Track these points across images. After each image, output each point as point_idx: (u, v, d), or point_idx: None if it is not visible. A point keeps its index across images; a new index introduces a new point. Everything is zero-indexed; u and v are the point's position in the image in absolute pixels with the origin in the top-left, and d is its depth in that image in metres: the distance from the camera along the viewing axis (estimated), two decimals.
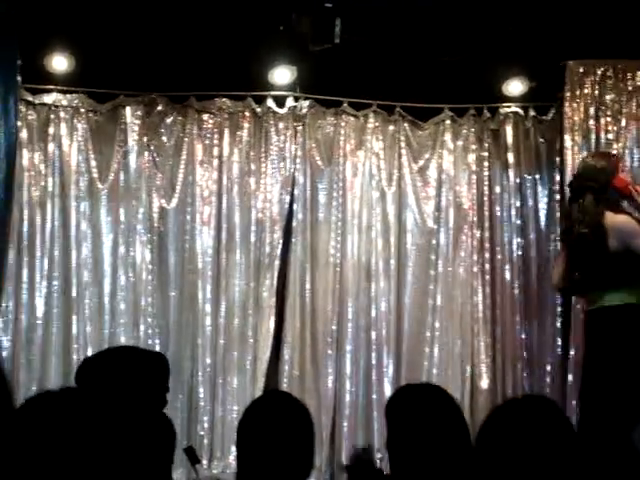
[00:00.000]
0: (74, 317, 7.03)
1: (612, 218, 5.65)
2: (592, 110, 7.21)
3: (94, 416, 2.41)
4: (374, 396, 7.18)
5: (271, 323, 7.17)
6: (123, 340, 7.03)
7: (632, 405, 5.56)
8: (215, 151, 7.31)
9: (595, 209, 5.68)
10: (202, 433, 6.99)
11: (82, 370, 3.44)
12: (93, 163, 7.20)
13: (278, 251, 7.26)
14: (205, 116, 7.33)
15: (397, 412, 3.29)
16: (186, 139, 7.29)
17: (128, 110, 7.23)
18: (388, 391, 7.15)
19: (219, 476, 6.45)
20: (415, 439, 3.15)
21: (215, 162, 7.30)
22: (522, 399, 2.57)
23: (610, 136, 7.20)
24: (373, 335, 7.25)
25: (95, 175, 7.20)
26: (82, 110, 7.21)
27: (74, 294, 7.05)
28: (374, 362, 7.22)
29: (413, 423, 3.19)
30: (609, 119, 7.20)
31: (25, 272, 7.02)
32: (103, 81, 7.15)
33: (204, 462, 6.71)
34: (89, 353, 6.96)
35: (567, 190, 7.10)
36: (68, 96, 7.20)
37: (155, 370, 3.50)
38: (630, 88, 7.19)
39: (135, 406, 3.26)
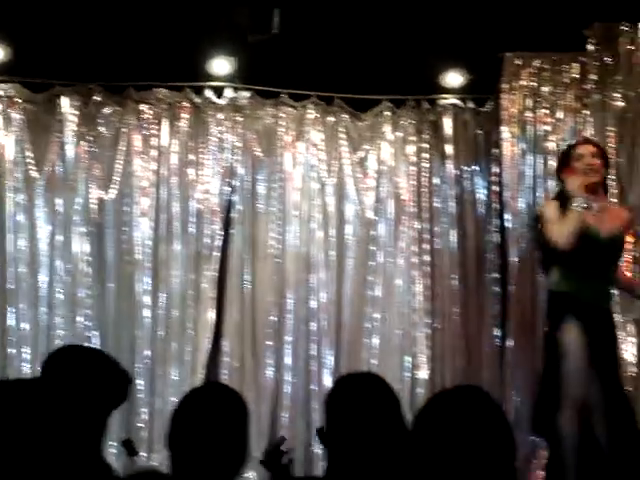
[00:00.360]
0: (9, 309, 6.96)
1: None
2: (529, 102, 7.26)
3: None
4: (314, 387, 7.19)
5: (211, 315, 7.14)
6: (61, 332, 6.97)
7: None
8: (154, 142, 7.26)
9: None
10: (141, 425, 6.96)
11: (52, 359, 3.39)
12: (29, 154, 7.12)
13: (218, 242, 7.23)
14: (143, 107, 7.28)
15: (337, 401, 3.30)
16: (124, 130, 7.23)
17: (65, 100, 7.15)
18: (328, 382, 7.16)
19: (157, 468, 6.42)
20: (353, 428, 3.16)
21: (153, 153, 7.25)
22: (454, 390, 2.58)
23: (547, 128, 7.26)
24: (313, 326, 7.25)
25: (31, 166, 7.12)
26: (17, 100, 7.11)
27: (10, 286, 6.98)
28: (314, 353, 7.22)
29: (352, 412, 3.20)
30: (546, 111, 7.26)
31: None
32: (39, 71, 7.07)
33: (143, 454, 6.69)
34: (25, 346, 6.92)
35: (505, 179, 7.24)
36: (3, 86, 7.10)
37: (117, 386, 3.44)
38: (566, 80, 7.24)
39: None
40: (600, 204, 5.85)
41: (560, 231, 5.72)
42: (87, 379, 3.26)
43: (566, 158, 6.00)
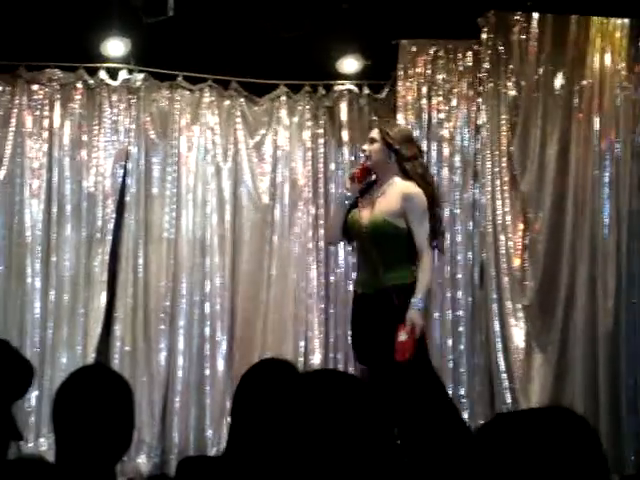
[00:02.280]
0: None
1: None
2: (424, 89, 7.33)
3: None
4: (207, 372, 7.16)
5: (102, 298, 7.05)
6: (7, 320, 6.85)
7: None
8: (45, 123, 7.14)
9: None
10: (29, 410, 6.85)
11: None
12: None
13: (110, 225, 7.14)
14: (35, 87, 7.15)
15: (249, 386, 3.29)
16: (15, 110, 7.09)
17: None
18: (221, 366, 7.15)
19: (45, 454, 6.34)
20: (262, 413, 3.16)
21: (45, 134, 7.12)
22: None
23: (441, 115, 7.33)
24: (207, 310, 7.22)
25: None
26: None
27: None
28: (207, 337, 7.19)
29: (263, 397, 3.20)
30: (440, 99, 7.33)
31: None
32: None
33: (30, 439, 6.59)
34: None
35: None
36: None
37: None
38: (461, 68, 7.32)
39: None
40: (382, 189, 5.80)
41: (328, 226, 6.05)
42: None
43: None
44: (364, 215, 5.77)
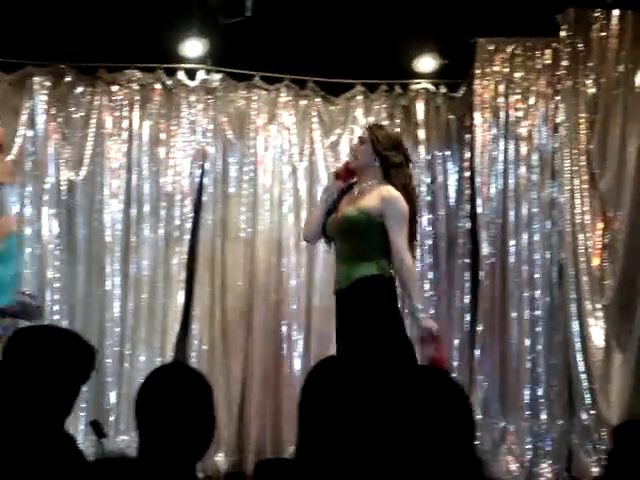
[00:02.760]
0: None
1: None
2: (501, 87, 7.27)
3: None
4: (284, 371, 7.18)
5: (180, 297, 7.12)
6: None
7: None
8: (125, 123, 7.22)
9: None
10: (108, 407, 6.93)
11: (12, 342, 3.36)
12: None
13: (188, 225, 7.20)
14: (115, 88, 7.23)
15: (313, 385, 3.30)
16: (95, 111, 7.18)
17: (36, 80, 7.09)
18: (298, 365, 7.17)
19: (125, 451, 6.41)
20: (330, 413, 3.16)
21: (125, 134, 7.21)
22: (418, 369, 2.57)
23: (519, 114, 7.28)
24: (283, 309, 7.24)
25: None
26: None
27: None
28: (284, 336, 7.21)
29: (327, 396, 3.20)
30: (518, 97, 7.27)
31: None
32: (10, 50, 6.99)
33: (110, 437, 6.67)
34: None
35: (477, 165, 7.24)
36: None
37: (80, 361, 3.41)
38: (539, 66, 7.26)
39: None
40: (361, 189, 5.72)
41: (306, 223, 5.99)
42: (49, 356, 3.23)
43: None
44: (340, 213, 5.73)
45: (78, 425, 6.60)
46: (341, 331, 5.76)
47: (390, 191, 5.67)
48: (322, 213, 5.82)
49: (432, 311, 7.32)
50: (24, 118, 7.10)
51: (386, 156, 5.76)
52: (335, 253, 5.85)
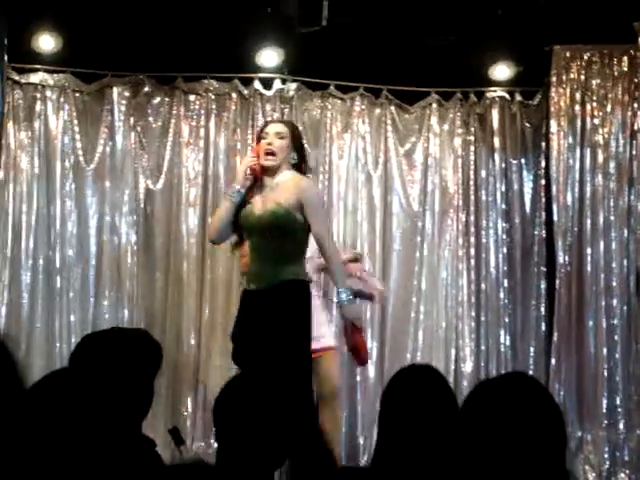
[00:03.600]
0: (58, 298, 7.04)
1: None
2: (578, 95, 7.23)
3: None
4: (358, 379, 7.20)
5: None
6: (107, 321, 7.02)
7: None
8: (202, 132, 7.31)
9: None
10: (185, 414, 7.01)
11: (78, 351, 3.41)
12: (79, 144, 7.20)
13: None
14: (192, 97, 7.33)
15: (395, 393, 3.31)
16: (173, 120, 7.28)
17: (115, 90, 7.22)
18: (372, 374, 7.18)
19: (202, 457, 6.47)
20: (410, 421, 3.17)
21: (201, 143, 7.30)
22: (502, 377, 2.58)
23: (596, 121, 7.22)
24: None
25: (81, 155, 7.20)
26: (68, 90, 7.20)
27: (58, 274, 7.06)
28: None
29: (410, 405, 3.21)
30: (595, 104, 7.22)
31: (9, 251, 7.03)
32: (90, 61, 7.14)
33: (188, 443, 6.73)
34: (73, 335, 6.98)
35: (553, 173, 7.20)
36: (55, 76, 7.18)
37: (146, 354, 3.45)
38: (616, 73, 7.20)
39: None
40: (274, 183, 5.33)
41: (212, 223, 5.50)
42: (118, 358, 3.27)
43: (259, 135, 5.50)
44: (259, 207, 5.32)
45: (156, 431, 6.67)
46: (249, 334, 5.33)
47: (304, 179, 5.42)
48: (230, 211, 5.36)
49: (507, 319, 7.31)
50: (103, 128, 7.21)
51: (303, 152, 5.54)
52: (252, 251, 5.37)
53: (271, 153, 5.32)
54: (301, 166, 5.45)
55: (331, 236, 5.49)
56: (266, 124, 5.58)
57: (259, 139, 5.41)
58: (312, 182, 5.60)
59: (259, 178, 5.34)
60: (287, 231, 5.28)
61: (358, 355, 5.38)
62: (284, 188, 5.31)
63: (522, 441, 2.28)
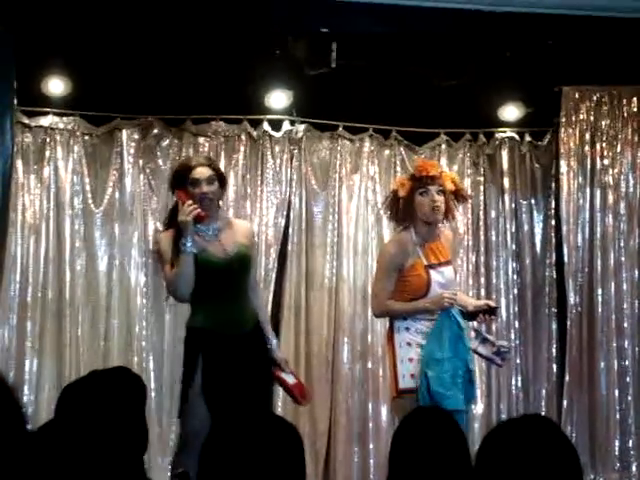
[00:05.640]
0: (67, 341, 7.02)
1: None
2: (588, 136, 7.23)
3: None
4: (370, 421, 7.15)
5: None
6: (116, 362, 6.99)
7: None
8: None
9: None
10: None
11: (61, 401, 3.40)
12: (88, 187, 7.20)
13: (273, 274, 7.25)
14: (201, 139, 7.33)
15: (405, 435, 3.29)
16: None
17: (124, 133, 7.23)
18: (384, 416, 7.13)
19: None
20: (420, 463, 3.15)
21: None
22: (520, 418, 2.56)
23: (606, 162, 7.22)
24: (369, 359, 7.22)
25: (90, 198, 7.20)
26: (78, 133, 7.20)
27: (67, 316, 7.04)
28: (370, 388, 7.18)
29: (420, 447, 3.19)
30: (604, 145, 7.23)
31: (17, 293, 7.02)
32: (99, 104, 7.16)
33: None
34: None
35: (563, 213, 7.18)
36: (64, 119, 7.20)
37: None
38: (625, 114, 7.21)
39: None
40: (222, 223, 5.39)
41: (175, 280, 5.24)
42: (98, 401, 3.26)
43: (182, 179, 5.38)
44: (219, 250, 5.31)
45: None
46: (228, 380, 5.25)
47: (248, 225, 5.74)
48: (192, 264, 5.22)
49: (518, 361, 7.28)
50: (113, 170, 7.22)
51: (226, 186, 5.60)
52: (215, 294, 5.27)
53: (210, 199, 5.31)
54: (219, 203, 5.51)
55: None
56: (190, 169, 5.38)
57: (185, 183, 5.31)
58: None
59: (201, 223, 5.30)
60: (248, 269, 5.40)
61: (301, 394, 5.49)
62: (236, 232, 5.40)
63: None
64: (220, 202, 5.50)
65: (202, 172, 5.35)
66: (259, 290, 5.57)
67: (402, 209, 5.68)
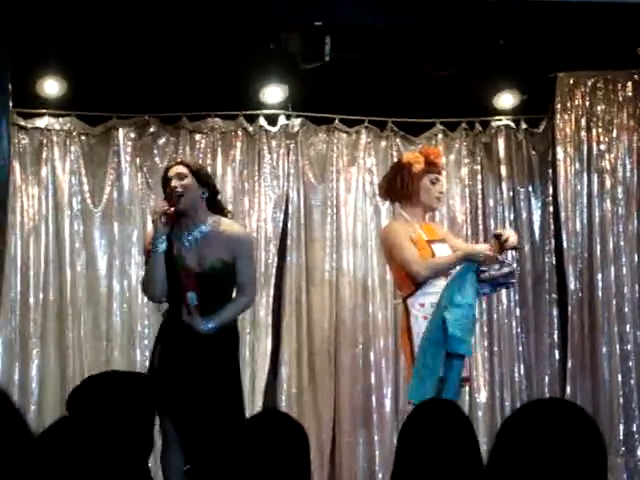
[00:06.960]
0: (69, 341, 7.02)
1: None
2: (583, 121, 7.23)
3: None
4: (374, 411, 7.16)
5: (268, 341, 7.15)
6: (119, 363, 7.00)
7: None
8: (208, 171, 7.30)
9: None
10: None
11: (72, 400, 3.42)
12: (86, 187, 7.20)
13: (273, 269, 7.25)
14: (197, 136, 7.33)
15: (414, 428, 3.30)
16: (179, 160, 7.28)
17: (120, 132, 7.23)
18: (388, 406, 7.14)
19: None
20: (427, 457, 3.16)
21: None
22: (543, 401, 2.55)
23: (602, 147, 7.22)
24: (371, 351, 7.23)
25: (88, 198, 7.20)
26: (74, 133, 7.20)
27: (69, 316, 7.04)
28: (373, 379, 7.19)
29: (428, 440, 3.20)
30: (600, 130, 7.23)
31: (19, 295, 7.02)
32: (95, 104, 7.15)
33: None
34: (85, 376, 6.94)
35: (561, 199, 7.19)
36: (60, 120, 7.19)
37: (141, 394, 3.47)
38: (620, 99, 7.21)
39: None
40: (210, 227, 5.45)
41: (144, 279, 5.62)
42: (115, 400, 3.28)
43: (163, 182, 5.58)
44: (194, 261, 5.40)
45: None
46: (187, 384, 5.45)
47: (236, 229, 5.61)
48: (162, 264, 5.39)
49: (520, 348, 7.28)
50: (110, 169, 7.22)
51: (213, 185, 5.63)
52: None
53: (179, 195, 5.38)
54: (214, 200, 5.56)
55: (254, 285, 5.73)
56: (166, 170, 5.59)
57: (164, 186, 5.51)
58: (244, 231, 5.83)
59: (172, 224, 5.36)
60: (223, 284, 5.47)
61: None
62: (221, 240, 5.43)
63: (565, 467, 2.26)
64: (203, 201, 5.52)
65: (174, 170, 5.50)
66: (242, 297, 5.57)
67: (409, 183, 5.81)
